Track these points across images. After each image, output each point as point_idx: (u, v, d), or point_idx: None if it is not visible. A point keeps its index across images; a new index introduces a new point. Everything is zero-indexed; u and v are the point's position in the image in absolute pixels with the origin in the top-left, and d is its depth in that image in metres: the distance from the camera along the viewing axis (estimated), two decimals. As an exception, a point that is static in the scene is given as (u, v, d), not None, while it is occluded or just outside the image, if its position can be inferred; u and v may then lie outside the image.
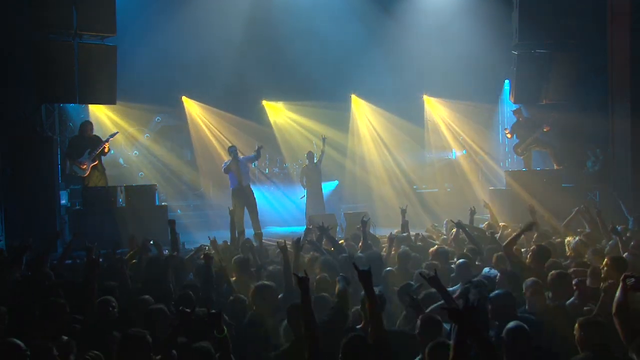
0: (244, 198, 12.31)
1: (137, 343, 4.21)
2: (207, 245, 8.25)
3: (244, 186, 12.38)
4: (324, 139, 14.28)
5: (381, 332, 4.06)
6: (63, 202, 11.81)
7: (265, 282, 5.71)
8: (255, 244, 8.44)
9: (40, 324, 4.81)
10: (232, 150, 12.48)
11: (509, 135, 13.92)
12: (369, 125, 17.58)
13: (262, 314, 5.26)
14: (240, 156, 12.77)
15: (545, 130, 12.99)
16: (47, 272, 6.36)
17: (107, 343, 4.81)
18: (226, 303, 5.62)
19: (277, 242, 6.92)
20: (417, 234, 9.33)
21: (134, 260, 7.48)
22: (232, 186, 12.56)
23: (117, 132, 12.79)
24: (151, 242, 8.18)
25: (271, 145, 16.82)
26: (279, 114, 17.69)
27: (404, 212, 9.61)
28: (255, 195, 12.59)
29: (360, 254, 7.35)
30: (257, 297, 5.40)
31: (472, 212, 9.56)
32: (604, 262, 5.79)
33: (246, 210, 12.19)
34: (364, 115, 17.71)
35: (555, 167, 13.27)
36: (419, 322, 4.36)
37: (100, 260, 6.87)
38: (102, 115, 14.90)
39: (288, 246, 6.45)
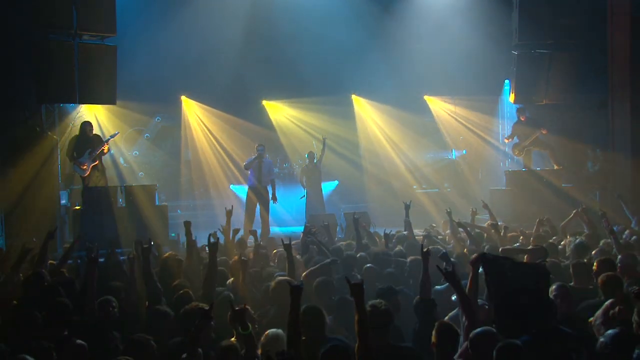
0: (258, 197, 12.53)
1: (141, 348, 4.22)
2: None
3: (261, 186, 12.58)
4: (324, 139, 14.30)
5: (368, 351, 3.85)
6: (63, 202, 11.81)
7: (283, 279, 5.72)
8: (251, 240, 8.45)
9: (43, 324, 4.82)
10: (260, 150, 12.68)
11: (507, 140, 13.94)
12: (369, 124, 17.56)
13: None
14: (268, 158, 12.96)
15: (543, 132, 13.01)
16: (41, 273, 6.35)
17: (107, 343, 4.82)
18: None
19: (282, 240, 6.85)
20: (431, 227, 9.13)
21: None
22: (249, 183, 12.71)
23: (118, 133, 12.79)
24: (152, 243, 8.17)
25: (273, 145, 16.84)
26: (279, 113, 17.68)
27: (407, 207, 9.37)
28: (268, 197, 12.72)
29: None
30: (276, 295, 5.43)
31: (474, 214, 9.54)
32: (594, 265, 5.82)
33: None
34: (365, 114, 17.70)
35: (555, 167, 13.27)
36: (434, 331, 4.18)
37: (101, 260, 6.89)
38: (99, 115, 14.81)
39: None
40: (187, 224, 7.63)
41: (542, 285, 4.52)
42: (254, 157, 12.69)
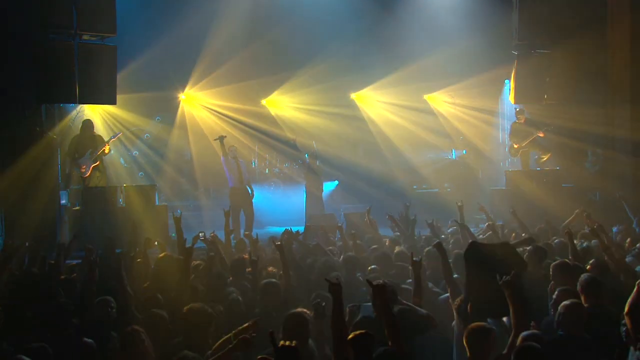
0: (243, 197, 12.52)
1: (134, 340, 4.21)
2: (202, 232, 8.23)
3: (242, 186, 12.59)
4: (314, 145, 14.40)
5: (403, 351, 3.82)
6: (63, 202, 11.81)
7: (272, 280, 5.73)
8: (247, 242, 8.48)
9: (41, 324, 4.83)
10: (232, 150, 12.69)
11: (516, 146, 13.83)
12: (369, 124, 17.49)
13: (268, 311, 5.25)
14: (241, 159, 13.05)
15: (540, 135, 13.06)
16: (34, 272, 6.35)
17: (106, 343, 4.82)
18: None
19: (272, 239, 6.87)
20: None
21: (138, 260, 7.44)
22: (230, 185, 12.70)
23: (120, 133, 12.81)
24: (156, 243, 8.19)
25: (274, 144, 16.84)
26: (280, 113, 17.63)
27: (407, 207, 9.52)
28: (250, 197, 12.84)
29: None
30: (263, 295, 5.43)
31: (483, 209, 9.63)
32: (551, 267, 5.80)
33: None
34: (364, 114, 17.64)
35: (543, 158, 13.37)
36: (466, 333, 4.21)
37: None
38: (99, 115, 14.79)
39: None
40: (177, 221, 7.59)
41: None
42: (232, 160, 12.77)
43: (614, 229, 8.54)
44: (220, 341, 4.14)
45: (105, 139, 11.88)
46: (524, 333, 4.21)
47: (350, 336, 3.71)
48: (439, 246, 5.63)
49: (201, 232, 8.25)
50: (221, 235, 8.81)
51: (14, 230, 10.09)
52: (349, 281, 6.17)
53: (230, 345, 3.84)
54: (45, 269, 6.69)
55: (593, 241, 7.34)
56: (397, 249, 7.85)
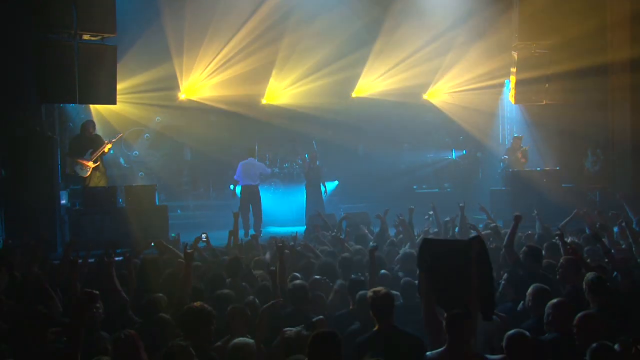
0: (252, 195, 13.15)
1: (128, 344, 4.18)
2: (205, 233, 8.24)
3: (255, 185, 13.30)
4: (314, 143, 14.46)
5: None
6: (63, 202, 11.80)
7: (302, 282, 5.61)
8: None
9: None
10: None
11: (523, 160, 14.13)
12: (369, 124, 17.47)
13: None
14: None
15: (519, 155, 13.39)
16: (37, 273, 6.33)
17: (94, 343, 4.79)
18: None
19: (274, 241, 6.89)
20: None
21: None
22: (242, 183, 13.29)
23: (120, 134, 12.80)
24: (152, 244, 8.20)
25: (274, 144, 16.85)
26: (279, 112, 17.58)
27: (411, 211, 9.58)
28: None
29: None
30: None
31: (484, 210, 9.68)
32: (559, 263, 5.78)
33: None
34: (365, 113, 17.62)
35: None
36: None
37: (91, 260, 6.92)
38: (99, 115, 14.80)
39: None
40: (175, 242, 7.57)
41: (476, 258, 4.54)
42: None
43: (615, 229, 8.53)
44: None
45: (105, 139, 11.90)
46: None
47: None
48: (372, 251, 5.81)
49: (204, 233, 8.24)
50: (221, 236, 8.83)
51: (14, 231, 10.10)
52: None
53: None
54: (47, 269, 6.69)
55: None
56: (404, 249, 7.87)
